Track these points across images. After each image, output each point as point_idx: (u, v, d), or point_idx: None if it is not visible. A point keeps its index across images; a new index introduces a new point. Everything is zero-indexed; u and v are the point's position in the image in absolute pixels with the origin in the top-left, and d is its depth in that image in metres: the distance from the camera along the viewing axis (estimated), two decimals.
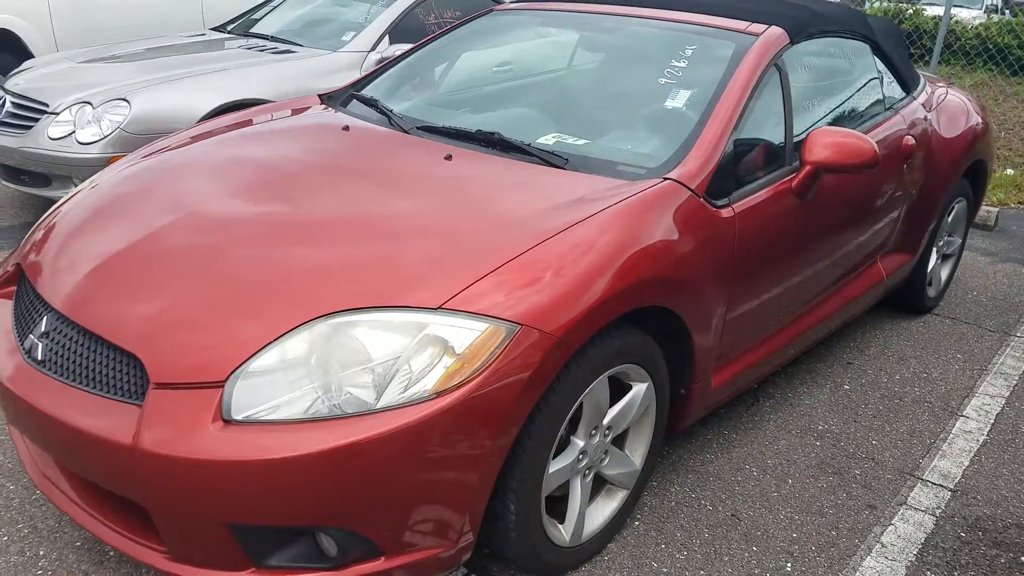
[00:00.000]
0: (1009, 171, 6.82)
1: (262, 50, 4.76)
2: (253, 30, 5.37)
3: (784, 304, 2.66)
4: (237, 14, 5.99)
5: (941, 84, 3.91)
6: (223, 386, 1.62)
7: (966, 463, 2.77)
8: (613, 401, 2.13)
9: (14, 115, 4.22)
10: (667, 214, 2.10)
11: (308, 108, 2.94)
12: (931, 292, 3.96)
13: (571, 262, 1.85)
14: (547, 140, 2.50)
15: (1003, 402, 3.19)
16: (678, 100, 2.49)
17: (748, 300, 2.43)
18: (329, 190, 2.15)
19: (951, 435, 2.93)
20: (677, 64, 2.63)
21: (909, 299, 3.86)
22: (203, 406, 1.61)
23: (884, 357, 3.51)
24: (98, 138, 4.00)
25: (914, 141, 3.27)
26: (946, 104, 3.70)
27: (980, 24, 10.82)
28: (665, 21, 2.88)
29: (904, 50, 3.57)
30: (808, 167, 2.49)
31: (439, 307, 1.71)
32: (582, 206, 2.04)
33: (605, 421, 2.09)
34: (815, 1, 3.26)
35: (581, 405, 1.98)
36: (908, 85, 3.50)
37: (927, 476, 2.68)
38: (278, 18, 5.50)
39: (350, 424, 1.60)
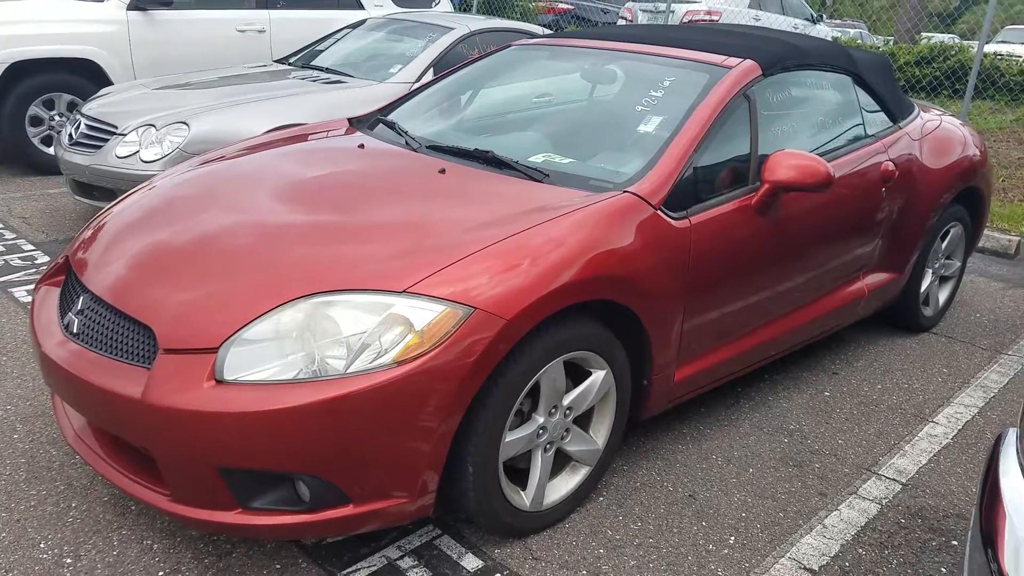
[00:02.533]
0: None
1: (314, 80, 5.24)
2: (314, 63, 5.87)
3: (750, 310, 2.93)
4: (301, 47, 6.53)
5: (936, 114, 4.12)
6: (217, 352, 1.99)
7: (923, 462, 2.96)
8: (577, 384, 2.44)
9: (87, 136, 4.77)
10: (621, 221, 2.41)
11: (335, 129, 3.35)
12: (928, 312, 4.14)
13: (526, 258, 2.18)
14: (536, 159, 2.84)
15: (975, 411, 3.36)
16: (650, 125, 2.81)
17: (708, 302, 2.71)
18: (333, 196, 2.53)
19: (916, 438, 3.13)
20: (655, 94, 2.95)
21: (903, 317, 4.05)
22: (200, 368, 1.98)
23: (870, 369, 3.71)
24: (159, 157, 4.50)
25: (893, 167, 3.50)
26: (937, 133, 3.91)
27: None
28: (654, 56, 3.20)
29: (891, 82, 3.80)
30: (767, 186, 2.76)
31: (403, 291, 2.05)
32: (546, 212, 2.37)
33: (565, 402, 2.40)
34: (801, 37, 3.54)
35: (539, 385, 2.29)
36: (895, 115, 3.73)
37: (883, 471, 2.89)
38: (337, 51, 6.00)
39: (321, 385, 1.94)
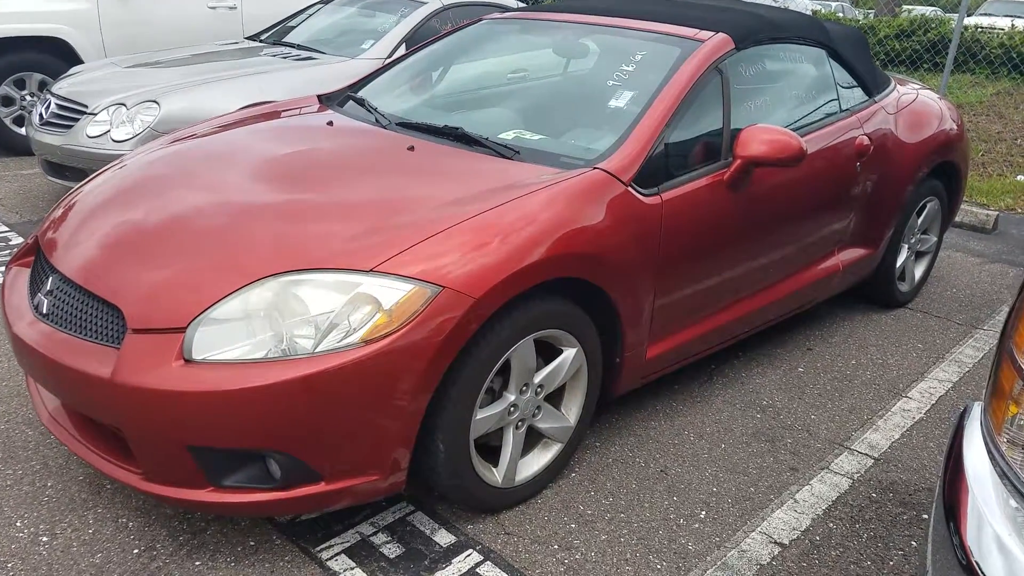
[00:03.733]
0: (1020, 177, 6.90)
1: (286, 57, 5.17)
2: (286, 39, 5.78)
3: (722, 286, 2.92)
4: (272, 23, 6.43)
5: (912, 88, 4.11)
6: (185, 331, 1.97)
7: (896, 437, 2.98)
8: (549, 362, 2.44)
9: (58, 116, 4.69)
10: (591, 198, 2.40)
11: (305, 107, 3.30)
12: (904, 287, 4.16)
13: (495, 236, 2.16)
14: (507, 135, 2.81)
15: (949, 386, 3.39)
16: (621, 100, 2.78)
17: (680, 279, 2.71)
18: (301, 175, 2.50)
19: (889, 413, 3.15)
20: (626, 68, 2.92)
21: (879, 293, 4.07)
22: (168, 347, 1.96)
23: (845, 345, 3.72)
24: (130, 136, 4.44)
25: (868, 141, 3.49)
26: (913, 107, 3.91)
27: (1004, 34, 10.80)
28: (626, 29, 3.17)
29: (866, 56, 3.78)
30: (739, 161, 2.75)
31: (371, 269, 2.03)
32: (515, 190, 2.34)
33: (536, 380, 2.39)
34: (775, 10, 3.51)
35: (509, 363, 2.28)
36: (870, 89, 3.72)
37: (855, 446, 2.90)
38: (309, 28, 5.92)
39: (290, 364, 1.92)
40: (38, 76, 6.27)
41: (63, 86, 4.92)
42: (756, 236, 2.98)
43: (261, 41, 5.90)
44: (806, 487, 2.66)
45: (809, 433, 2.97)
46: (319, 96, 3.44)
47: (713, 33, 3.00)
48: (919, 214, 4.08)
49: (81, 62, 6.29)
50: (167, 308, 2.02)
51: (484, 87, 3.43)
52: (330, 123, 2.97)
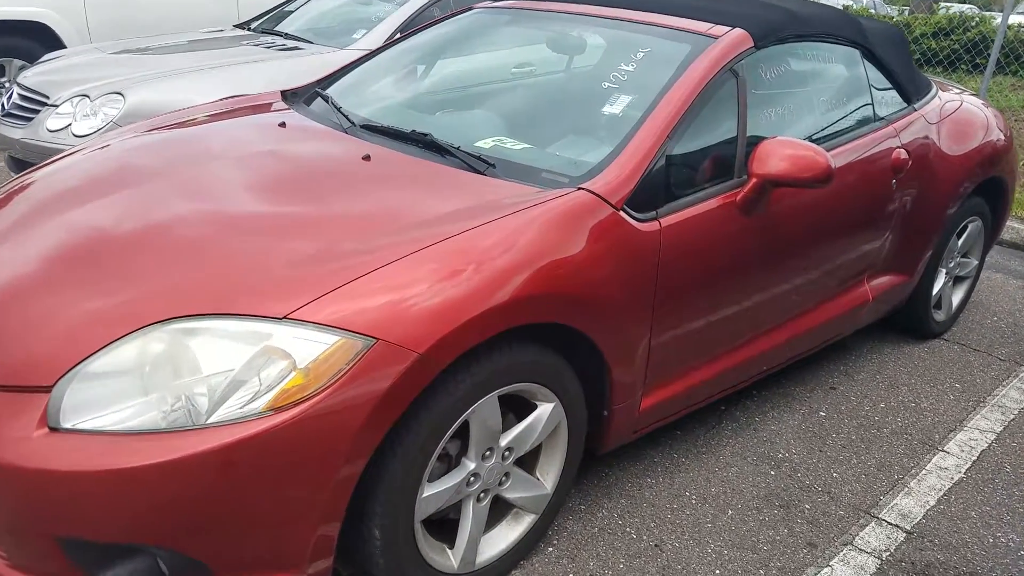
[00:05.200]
0: None
1: (269, 47, 4.78)
2: (278, 27, 5.39)
3: (731, 325, 2.51)
4: (268, 8, 6.04)
5: (955, 94, 3.66)
6: (51, 391, 1.58)
7: (932, 503, 2.56)
8: (520, 418, 2.04)
9: (19, 107, 4.33)
10: (573, 225, 1.99)
11: (262, 104, 2.91)
12: (939, 316, 3.71)
13: (447, 272, 1.76)
14: (485, 144, 2.41)
15: (992, 438, 2.95)
16: (616, 106, 2.37)
17: (680, 319, 2.29)
18: (221, 189, 2.10)
19: (923, 471, 2.72)
20: (625, 68, 2.50)
21: (912, 322, 3.63)
22: (30, 411, 1.57)
23: (873, 383, 3.29)
24: (93, 130, 4.07)
25: (906, 155, 3.05)
26: (957, 116, 3.45)
27: None
28: (628, 22, 2.74)
29: (906, 57, 3.34)
30: (755, 180, 2.33)
31: (285, 316, 1.63)
32: (480, 214, 1.94)
33: (503, 442, 1.99)
34: (802, 3, 3.07)
35: (468, 424, 1.88)
36: (909, 95, 3.27)
37: (883, 515, 2.48)
38: (304, 15, 5.52)
39: (176, 438, 1.54)
40: (19, 63, 5.94)
41: (29, 75, 4.56)
42: (773, 265, 2.56)
43: (250, 29, 5.51)
44: (825, 569, 2.24)
45: (830, 496, 2.55)
46: (283, 92, 3.04)
47: (729, 28, 2.57)
48: (959, 235, 3.62)
49: (64, 47, 5.94)
50: (34, 359, 1.63)
51: (469, 85, 3.02)
52: (282, 124, 2.58)
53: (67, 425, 1.56)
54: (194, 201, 2.05)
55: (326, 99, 2.81)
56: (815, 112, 2.79)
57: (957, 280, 3.84)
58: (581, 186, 2.09)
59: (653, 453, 2.71)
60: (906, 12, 13.62)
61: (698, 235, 2.26)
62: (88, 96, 4.15)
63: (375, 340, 1.64)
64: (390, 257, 1.76)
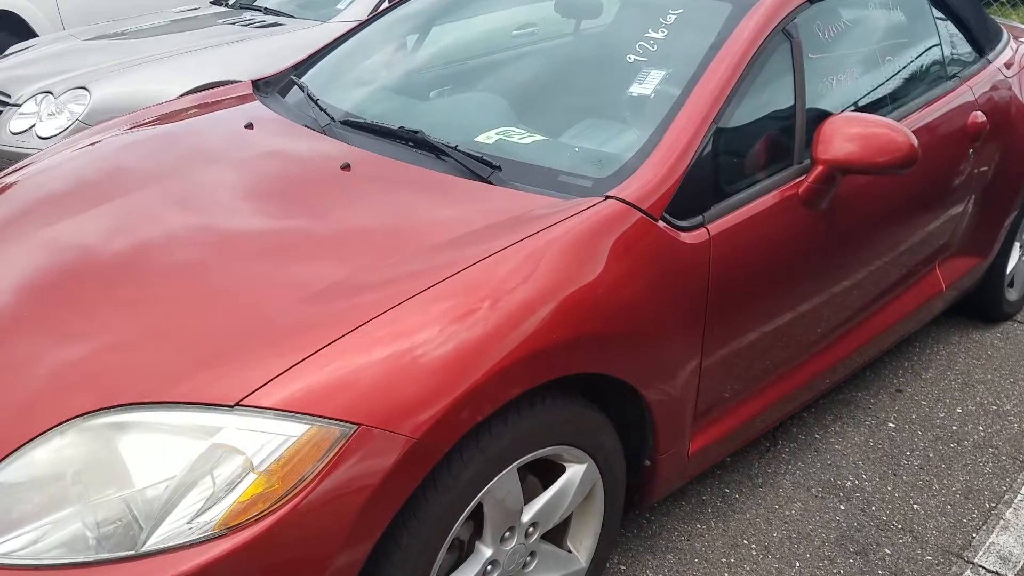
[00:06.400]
0: None
1: (246, 25, 4.33)
2: (257, 2, 4.93)
3: (794, 337, 2.10)
4: None
5: None
6: None
7: None
8: (546, 485, 1.65)
9: None
10: (600, 248, 1.58)
11: (233, 98, 2.49)
12: (1013, 295, 3.27)
13: (445, 328, 1.36)
14: (488, 138, 1.99)
15: None
16: (646, 85, 1.93)
17: (736, 338, 1.89)
18: (164, 225, 1.70)
19: (1019, 496, 2.32)
20: (653, 35, 2.06)
21: (981, 305, 3.19)
22: None
23: (944, 382, 2.87)
24: (59, 131, 3.67)
25: (984, 118, 2.60)
26: None
27: None
28: None
29: (976, 1, 2.86)
30: (820, 167, 1.90)
31: (237, 403, 1.24)
32: (483, 242, 1.53)
33: (525, 518, 1.61)
34: None
35: (481, 506, 1.50)
36: (981, 44, 2.80)
37: (979, 558, 2.09)
38: None
39: (104, 572, 1.16)
40: None
41: None
42: (841, 262, 2.14)
43: (228, 5, 5.05)
44: None
45: (914, 537, 2.16)
46: (255, 82, 2.62)
47: None
48: None
49: (36, 37, 5.53)
50: None
51: (466, 58, 2.59)
52: (249, 126, 2.17)
53: None
54: (114, 246, 1.64)
55: (302, 88, 2.39)
56: (881, 74, 2.34)
57: None
58: (609, 193, 1.67)
59: (701, 489, 2.32)
60: None
61: (756, 239, 1.84)
62: (51, 92, 3.75)
63: (355, 426, 1.25)
64: (371, 311, 1.37)
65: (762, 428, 2.18)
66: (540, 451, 1.54)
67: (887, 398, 2.77)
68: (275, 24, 4.32)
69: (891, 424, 2.63)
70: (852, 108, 2.19)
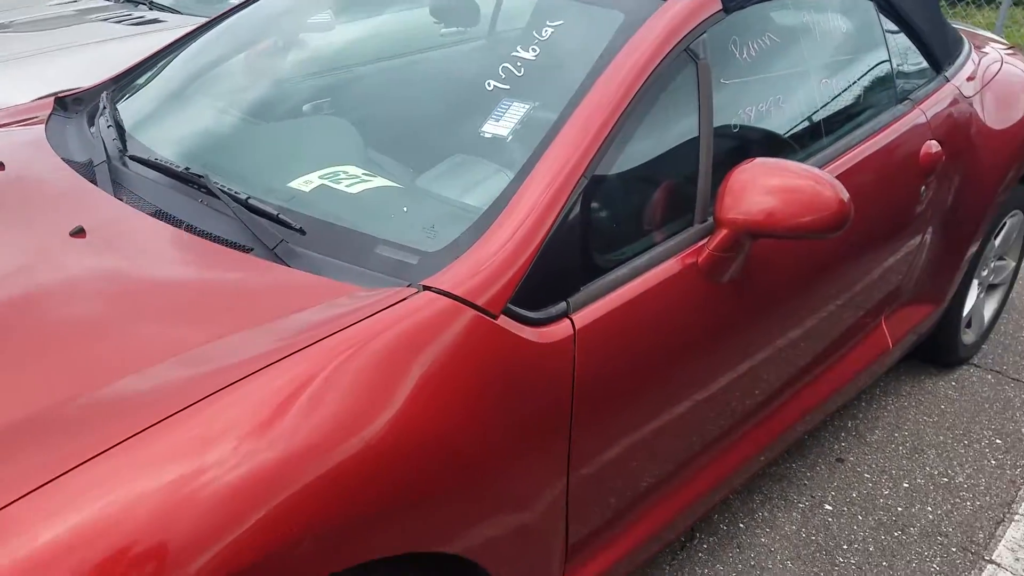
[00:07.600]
0: None
1: (120, 21, 3.80)
2: None
3: (693, 432, 1.68)
4: None
5: (996, 51, 2.78)
6: None
7: None
8: None
9: None
10: (404, 369, 1.13)
11: (17, 120, 2.01)
12: (969, 337, 2.90)
13: (152, 526, 0.91)
14: (307, 183, 1.54)
15: None
16: (503, 123, 1.49)
17: (612, 448, 1.47)
18: None
19: None
20: (522, 55, 1.61)
21: (936, 350, 2.81)
22: None
23: (891, 448, 2.49)
24: None
25: (939, 148, 2.20)
26: (1001, 80, 2.59)
27: None
28: None
29: (934, 8, 2.45)
30: (725, 231, 1.48)
31: None
32: (223, 364, 1.08)
33: None
34: None
35: None
36: (938, 58, 2.40)
37: None
38: None
39: None
40: None
41: None
42: (755, 338, 1.73)
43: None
44: None
45: None
46: (58, 99, 2.12)
47: None
48: (997, 235, 2.79)
49: None
50: None
51: (322, 73, 2.13)
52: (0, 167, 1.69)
53: None
54: None
55: (103, 109, 1.92)
56: (815, 101, 1.92)
57: (989, 289, 3.02)
58: (427, 283, 1.23)
59: None
60: None
61: (641, 325, 1.42)
62: None
63: None
64: (42, 479, 0.91)
65: (673, 537, 1.77)
66: None
67: (826, 470, 2.38)
68: (154, 21, 3.79)
69: (828, 507, 2.24)
70: (775, 148, 1.77)
